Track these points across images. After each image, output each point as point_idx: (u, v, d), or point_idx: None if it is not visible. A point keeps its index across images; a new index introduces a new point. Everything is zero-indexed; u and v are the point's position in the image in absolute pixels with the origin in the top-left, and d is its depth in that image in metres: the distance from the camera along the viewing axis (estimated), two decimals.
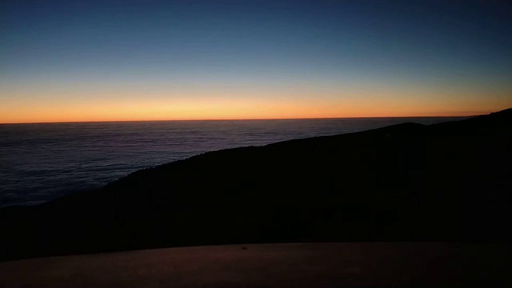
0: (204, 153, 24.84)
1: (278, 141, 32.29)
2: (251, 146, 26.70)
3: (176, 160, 24.17)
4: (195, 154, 25.38)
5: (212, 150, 26.38)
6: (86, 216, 11.13)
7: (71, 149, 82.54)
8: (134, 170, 25.98)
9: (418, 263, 1.23)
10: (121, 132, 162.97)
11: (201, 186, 12.85)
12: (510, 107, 36.84)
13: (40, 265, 1.32)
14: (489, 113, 38.44)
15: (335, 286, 0.93)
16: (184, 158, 24.93)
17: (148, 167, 23.48)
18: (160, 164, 25.54)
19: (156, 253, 1.48)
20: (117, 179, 24.68)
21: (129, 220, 8.93)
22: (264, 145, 27.29)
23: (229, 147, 34.09)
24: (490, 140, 15.22)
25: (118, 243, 6.32)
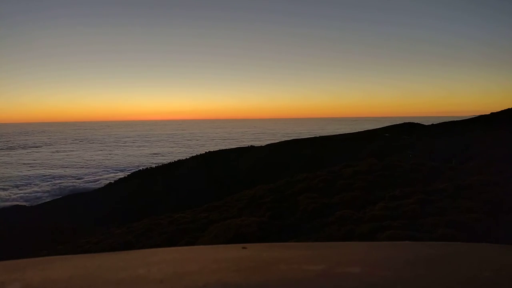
0: None
1: None
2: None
3: None
4: None
5: None
6: None
7: None
8: None
9: (418, 263, 1.24)
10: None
11: None
12: (510, 107, 36.93)
13: (40, 265, 1.32)
14: (489, 113, 38.52)
15: (335, 286, 0.93)
16: None
17: None
18: None
19: (156, 253, 1.48)
20: None
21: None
22: None
23: None
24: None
25: None
